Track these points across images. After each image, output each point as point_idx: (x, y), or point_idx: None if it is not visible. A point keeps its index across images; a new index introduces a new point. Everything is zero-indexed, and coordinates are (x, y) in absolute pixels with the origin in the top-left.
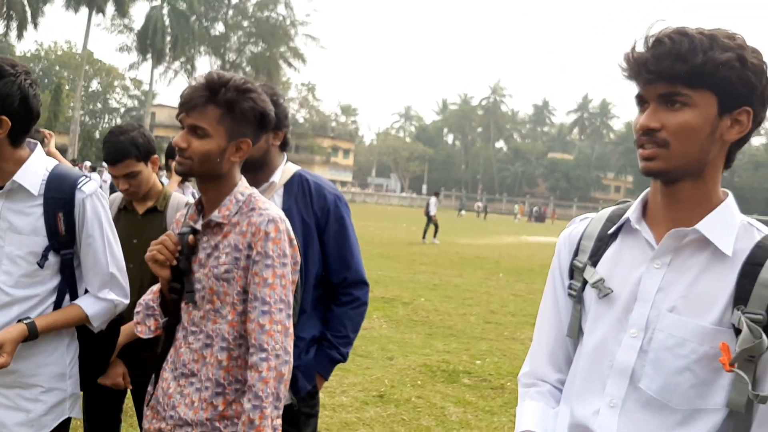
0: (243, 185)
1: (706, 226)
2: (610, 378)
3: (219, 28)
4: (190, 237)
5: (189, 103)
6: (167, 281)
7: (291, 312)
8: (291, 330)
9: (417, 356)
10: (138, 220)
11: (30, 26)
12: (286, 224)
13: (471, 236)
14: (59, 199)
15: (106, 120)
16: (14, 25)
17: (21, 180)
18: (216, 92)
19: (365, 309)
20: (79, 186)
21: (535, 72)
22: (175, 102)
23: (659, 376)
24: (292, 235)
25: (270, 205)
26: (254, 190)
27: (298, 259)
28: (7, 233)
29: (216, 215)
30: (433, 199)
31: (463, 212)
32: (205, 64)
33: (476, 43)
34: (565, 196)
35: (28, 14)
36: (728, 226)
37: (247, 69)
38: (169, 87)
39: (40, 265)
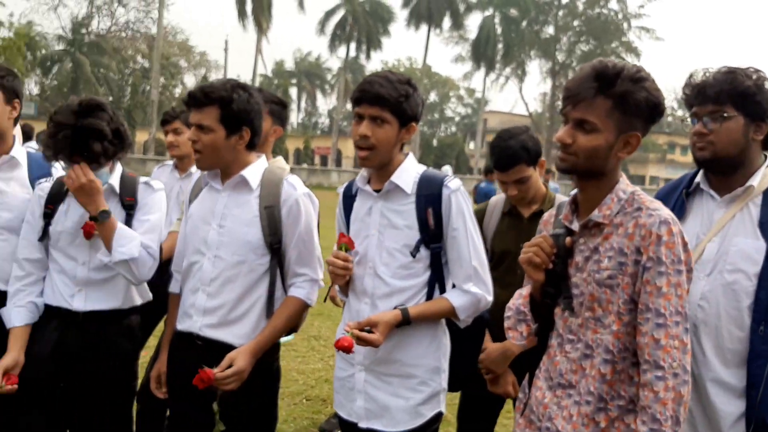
0: (624, 182)
1: None
2: None
3: (548, 30)
4: (567, 239)
5: (576, 96)
6: (540, 285)
7: (688, 325)
8: (689, 346)
9: None
10: (524, 225)
11: (375, 46)
12: (678, 226)
13: None
14: (429, 195)
15: (441, 129)
16: (363, 47)
17: (397, 181)
18: (608, 83)
19: None
20: (445, 183)
21: None
22: (506, 108)
23: None
24: (686, 238)
25: (658, 205)
26: (637, 188)
27: (693, 265)
28: (386, 229)
29: (596, 215)
30: None
31: None
32: (535, 68)
33: None
34: None
35: (374, 35)
36: None
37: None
38: (500, 93)
39: (413, 254)
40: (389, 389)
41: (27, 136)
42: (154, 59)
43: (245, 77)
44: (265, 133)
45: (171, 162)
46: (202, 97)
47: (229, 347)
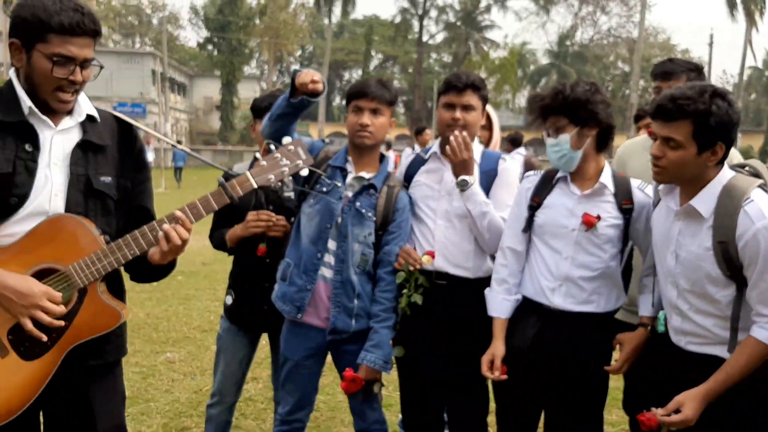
0: None
1: None
2: None
3: None
4: None
5: None
6: None
7: None
8: None
9: None
10: None
11: None
12: None
13: None
14: None
15: None
16: None
17: None
18: None
19: None
20: None
21: None
22: None
23: None
24: None
25: None
26: None
27: None
28: None
29: None
30: None
31: None
32: None
33: None
34: None
35: None
36: None
37: None
38: None
39: None
40: None
41: (517, 143)
42: (635, 62)
43: (732, 71)
44: None
45: None
46: (674, 110)
47: (713, 359)
